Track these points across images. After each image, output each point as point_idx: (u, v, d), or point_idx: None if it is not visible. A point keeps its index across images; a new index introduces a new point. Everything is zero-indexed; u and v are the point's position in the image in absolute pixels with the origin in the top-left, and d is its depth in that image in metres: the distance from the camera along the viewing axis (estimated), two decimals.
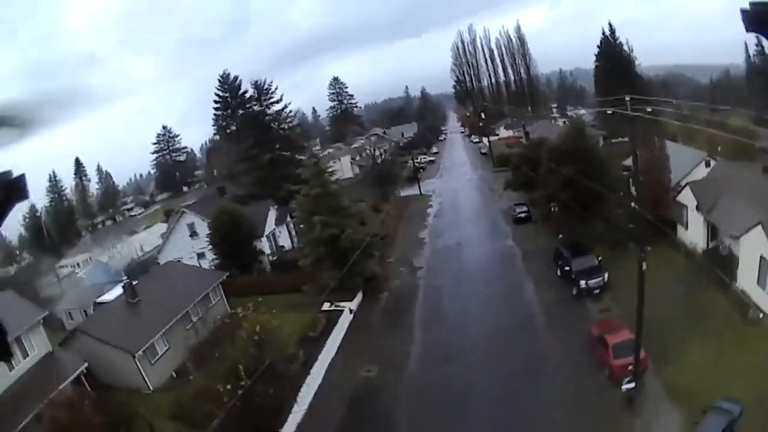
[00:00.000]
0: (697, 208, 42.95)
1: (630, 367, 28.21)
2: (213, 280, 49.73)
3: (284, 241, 68.36)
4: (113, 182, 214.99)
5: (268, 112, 74.05)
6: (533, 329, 39.48)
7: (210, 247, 60.01)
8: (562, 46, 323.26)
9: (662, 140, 50.49)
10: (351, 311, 46.37)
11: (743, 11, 3.81)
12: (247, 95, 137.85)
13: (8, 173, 3.41)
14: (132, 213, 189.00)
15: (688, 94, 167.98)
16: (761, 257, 33.07)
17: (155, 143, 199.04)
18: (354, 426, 32.54)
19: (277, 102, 76.85)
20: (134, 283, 46.35)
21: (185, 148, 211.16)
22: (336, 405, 34.71)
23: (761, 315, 32.82)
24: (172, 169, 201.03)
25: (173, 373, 40.75)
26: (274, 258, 62.80)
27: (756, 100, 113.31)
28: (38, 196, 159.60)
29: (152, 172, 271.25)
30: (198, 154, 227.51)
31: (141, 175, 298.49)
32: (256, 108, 75.70)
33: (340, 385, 36.88)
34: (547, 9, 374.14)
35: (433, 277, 53.61)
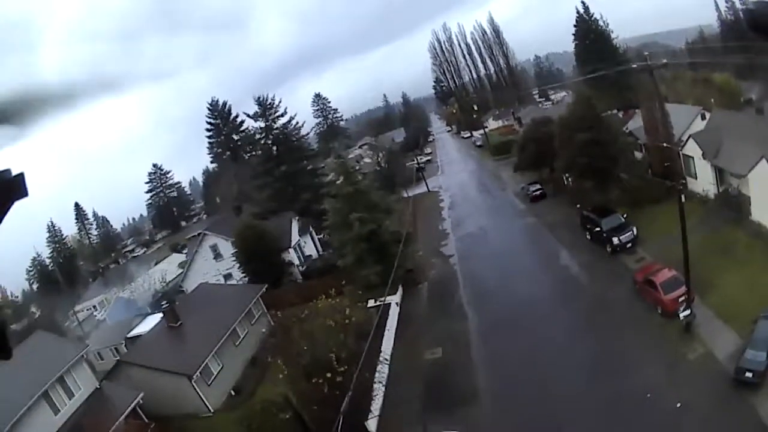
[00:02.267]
0: (703, 156, 45.05)
1: (681, 299, 31.49)
2: (253, 293, 49.48)
3: (310, 250, 68.48)
4: (111, 226, 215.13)
5: (275, 126, 73.48)
6: (581, 288, 41.51)
7: (238, 265, 59.89)
8: (534, 33, 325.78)
9: (661, 100, 51.62)
10: (397, 304, 46.71)
11: (745, 11, 3.68)
12: (239, 119, 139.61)
13: (7, 171, 3.29)
14: (134, 254, 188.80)
15: (665, 57, 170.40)
16: None
17: (148, 182, 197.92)
18: (436, 399, 33.42)
19: (282, 115, 76.62)
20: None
21: (178, 183, 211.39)
22: (414, 384, 35.56)
23: None
24: (168, 206, 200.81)
25: (231, 392, 40.60)
26: (304, 267, 62.87)
27: (734, 55, 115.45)
28: (39, 246, 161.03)
29: (144, 214, 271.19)
30: (187, 189, 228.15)
31: (134, 218, 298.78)
32: (261, 124, 74.95)
33: (411, 368, 37.66)
34: None
35: (466, 262, 54.19)
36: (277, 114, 74.79)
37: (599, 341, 33.55)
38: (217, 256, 65.76)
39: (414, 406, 33.27)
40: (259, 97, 73.16)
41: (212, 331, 42.49)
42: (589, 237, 47.76)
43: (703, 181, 46.40)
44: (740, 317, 29.44)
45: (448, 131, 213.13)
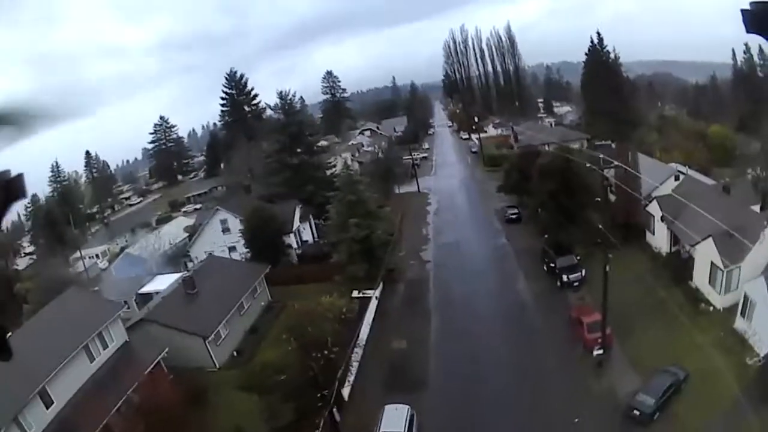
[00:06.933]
0: (662, 218, 51.96)
1: (599, 340, 38.97)
2: (258, 273, 57.91)
3: (307, 236, 76.14)
4: (110, 171, 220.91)
5: (293, 121, 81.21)
6: (527, 312, 49.66)
7: (243, 242, 67.59)
8: (553, 38, 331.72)
9: (636, 157, 58.96)
10: (376, 298, 54.41)
11: (743, 11, 3.72)
12: (253, 92, 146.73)
13: (7, 172, 3.47)
14: (131, 202, 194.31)
15: (673, 95, 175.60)
16: (711, 263, 42.36)
17: (152, 133, 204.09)
18: (396, 383, 41.93)
19: (299, 111, 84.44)
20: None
21: (181, 138, 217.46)
22: (381, 367, 44.48)
23: (711, 308, 42.34)
24: (168, 159, 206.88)
25: (234, 353, 49.15)
26: (300, 251, 70.71)
27: (740, 105, 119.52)
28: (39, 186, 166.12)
29: (139, 157, 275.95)
30: (185, 140, 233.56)
31: (128, 161, 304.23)
32: (281, 117, 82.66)
33: (380, 354, 46.21)
34: None
35: (440, 270, 62.25)
36: (295, 110, 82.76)
37: (530, 357, 42.13)
38: (225, 230, 73.50)
39: (378, 383, 42.17)
40: (281, 92, 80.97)
41: (224, 301, 50.96)
42: (545, 269, 55.63)
43: (659, 239, 53.69)
44: (647, 366, 36.61)
45: (449, 126, 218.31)
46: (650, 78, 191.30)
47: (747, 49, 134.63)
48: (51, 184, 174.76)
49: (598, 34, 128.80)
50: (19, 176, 3.51)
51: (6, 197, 3.49)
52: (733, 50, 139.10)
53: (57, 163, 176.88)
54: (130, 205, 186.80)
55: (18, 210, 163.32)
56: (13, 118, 4.36)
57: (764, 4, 3.64)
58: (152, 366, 42.16)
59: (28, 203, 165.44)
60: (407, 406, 35.92)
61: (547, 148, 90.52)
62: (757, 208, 49.66)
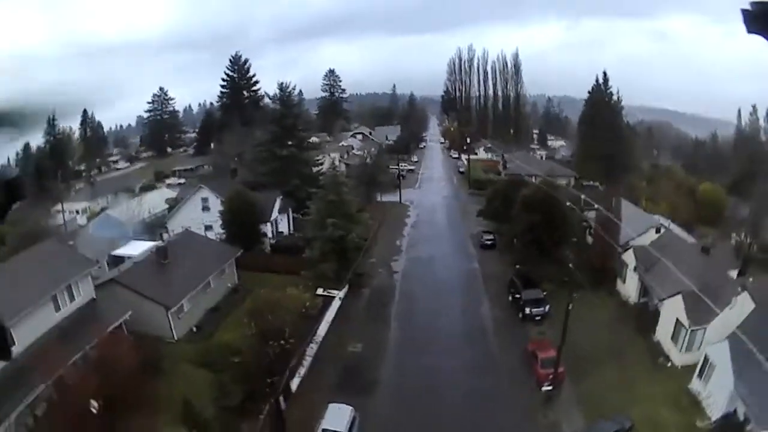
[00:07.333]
0: (635, 269, 53.04)
1: (550, 376, 39.59)
2: (230, 254, 59.16)
3: (283, 227, 77.17)
4: (103, 132, 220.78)
5: (289, 114, 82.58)
6: (486, 338, 50.51)
7: (220, 222, 68.49)
8: (560, 71, 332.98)
9: (619, 203, 60.25)
10: (340, 299, 55.57)
11: (744, 11, 3.80)
12: (254, 78, 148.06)
13: (8, 172, 3.56)
14: (118, 166, 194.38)
15: (671, 146, 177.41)
16: (677, 320, 43.14)
17: (150, 102, 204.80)
18: (345, 383, 42.85)
19: (296, 105, 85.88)
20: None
21: (177, 111, 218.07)
22: (334, 366, 45.38)
23: (669, 364, 43.25)
24: (161, 130, 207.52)
25: (193, 328, 50.14)
26: (274, 241, 71.77)
27: (737, 166, 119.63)
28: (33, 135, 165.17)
29: (132, 124, 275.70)
30: (181, 114, 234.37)
31: (121, 126, 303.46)
32: (279, 108, 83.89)
33: (335, 354, 47.07)
34: (563, 29, 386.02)
35: (407, 282, 63.23)
36: (293, 103, 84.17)
37: (483, 381, 42.86)
38: (205, 208, 74.40)
39: (329, 381, 43.06)
40: (281, 83, 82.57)
41: (192, 276, 52.03)
42: (510, 299, 56.16)
43: (629, 287, 54.38)
44: (594, 409, 37.37)
45: (441, 143, 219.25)
46: (650, 124, 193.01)
47: (754, 111, 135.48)
48: (45, 135, 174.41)
49: (604, 74, 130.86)
50: (21, 176, 3.65)
51: (7, 197, 3.56)
52: (739, 110, 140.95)
53: (53, 116, 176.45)
54: (117, 169, 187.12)
55: (9, 155, 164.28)
56: (10, 119, 4.42)
57: (764, 4, 3.73)
58: (114, 326, 42.88)
59: (20, 151, 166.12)
60: (351, 407, 36.80)
61: (533, 179, 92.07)
62: (734, 273, 50.92)
